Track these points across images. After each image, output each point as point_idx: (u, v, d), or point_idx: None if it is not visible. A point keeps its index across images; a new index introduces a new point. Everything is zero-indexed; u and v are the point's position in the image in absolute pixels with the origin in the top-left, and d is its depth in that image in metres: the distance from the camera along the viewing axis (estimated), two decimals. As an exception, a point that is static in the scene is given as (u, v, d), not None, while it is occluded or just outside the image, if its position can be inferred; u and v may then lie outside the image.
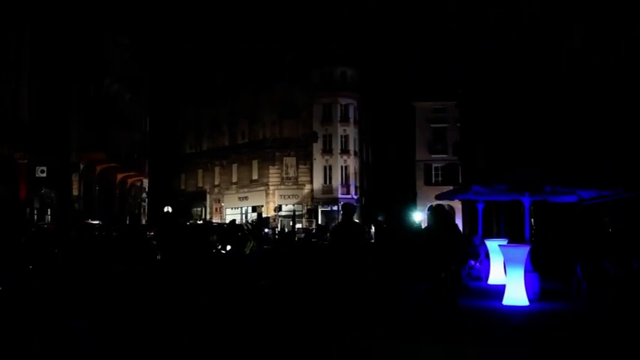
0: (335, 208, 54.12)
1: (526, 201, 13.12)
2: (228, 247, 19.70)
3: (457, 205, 44.61)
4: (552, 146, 24.63)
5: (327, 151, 54.67)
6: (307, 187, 54.53)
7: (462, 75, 45.56)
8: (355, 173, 56.15)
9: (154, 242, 24.76)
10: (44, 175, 27.52)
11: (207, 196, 61.13)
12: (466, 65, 43.80)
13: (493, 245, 15.41)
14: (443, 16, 50.70)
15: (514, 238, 15.46)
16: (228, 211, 57.44)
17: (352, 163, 55.76)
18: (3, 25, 26.03)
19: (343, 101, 55.28)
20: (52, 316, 10.51)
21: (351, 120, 55.85)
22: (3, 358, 7.57)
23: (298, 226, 50.72)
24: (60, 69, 31.08)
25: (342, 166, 54.95)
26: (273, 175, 54.95)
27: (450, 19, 48.19)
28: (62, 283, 14.36)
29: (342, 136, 55.21)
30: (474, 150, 41.41)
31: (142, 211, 46.59)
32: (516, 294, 11.80)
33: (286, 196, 54.78)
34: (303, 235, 43.63)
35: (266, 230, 39.35)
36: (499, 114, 33.23)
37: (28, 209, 26.96)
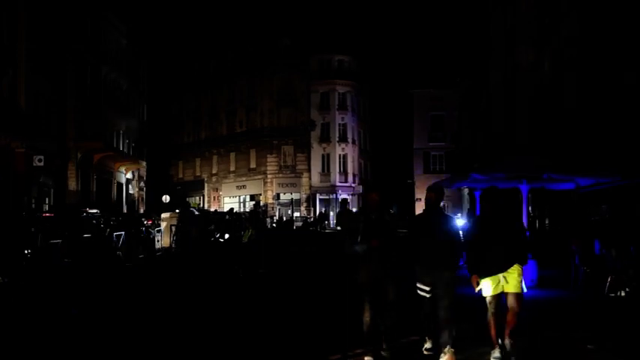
0: (333, 196, 54.18)
1: (524, 188, 13.13)
2: (227, 236, 19.74)
3: (455, 192, 44.76)
4: (550, 134, 24.64)
5: (325, 139, 54.64)
6: (305, 176, 54.54)
7: (461, 63, 45.54)
8: (353, 162, 56.16)
9: (152, 230, 24.84)
10: (42, 164, 27.47)
11: (205, 184, 61.10)
12: (465, 54, 43.76)
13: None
14: (442, 7, 50.62)
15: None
16: (227, 199, 57.44)
17: (350, 152, 55.76)
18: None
19: (341, 89, 55.17)
20: (51, 304, 10.55)
21: (349, 108, 55.79)
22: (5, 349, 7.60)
23: (296, 214, 50.82)
24: (57, 58, 30.96)
25: (340, 155, 54.95)
26: (271, 163, 54.92)
27: (449, 9, 48.10)
28: (63, 274, 14.41)
29: (339, 124, 55.17)
30: (472, 138, 41.44)
31: (140, 199, 46.59)
32: (514, 281, 11.79)
33: (284, 185, 54.79)
34: (301, 223, 43.94)
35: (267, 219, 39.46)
36: (498, 102, 33.24)
37: (25, 198, 26.95)
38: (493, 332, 6.64)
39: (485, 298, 6.71)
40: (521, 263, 6.77)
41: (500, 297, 6.70)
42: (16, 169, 26.41)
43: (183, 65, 61.85)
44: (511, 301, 6.66)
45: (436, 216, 7.02)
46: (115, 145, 36.43)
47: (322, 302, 10.75)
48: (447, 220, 7.14)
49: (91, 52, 34.95)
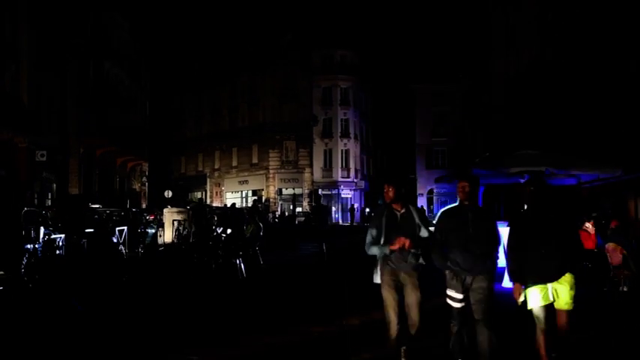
0: (335, 191, 54.20)
1: (526, 184, 13.09)
2: (229, 231, 19.76)
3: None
4: (552, 129, 24.60)
5: (327, 134, 54.61)
6: (307, 171, 54.53)
7: (463, 60, 45.46)
8: (355, 157, 56.14)
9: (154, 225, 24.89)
10: (44, 159, 27.48)
11: (208, 179, 61.16)
12: (467, 51, 43.68)
13: (493, 228, 15.36)
14: (443, 2, 50.52)
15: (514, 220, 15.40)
16: (229, 195, 57.51)
17: (352, 147, 55.73)
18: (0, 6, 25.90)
19: (343, 84, 55.12)
20: (52, 299, 10.58)
21: (351, 103, 55.72)
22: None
23: (298, 209, 50.86)
24: (59, 53, 30.94)
25: (342, 150, 54.93)
26: (273, 158, 54.92)
27: (450, 5, 48.00)
28: (64, 270, 14.44)
29: (342, 119, 55.12)
30: (474, 134, 41.40)
31: (142, 194, 46.63)
32: (516, 276, 11.77)
33: (286, 180, 54.80)
34: (303, 218, 43.99)
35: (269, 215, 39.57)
36: (501, 97, 33.18)
37: (28, 193, 26.97)
38: (543, 355, 5.50)
39: (531, 310, 5.60)
40: (575, 273, 5.55)
41: (551, 309, 5.54)
42: (19, 164, 26.44)
43: (185, 61, 61.83)
44: (560, 321, 5.50)
45: (472, 210, 5.84)
46: (117, 140, 36.34)
47: (324, 297, 10.76)
48: (485, 214, 5.95)
49: (93, 47, 34.92)
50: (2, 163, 25.31)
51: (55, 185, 31.07)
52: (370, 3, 59.35)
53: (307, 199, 54.03)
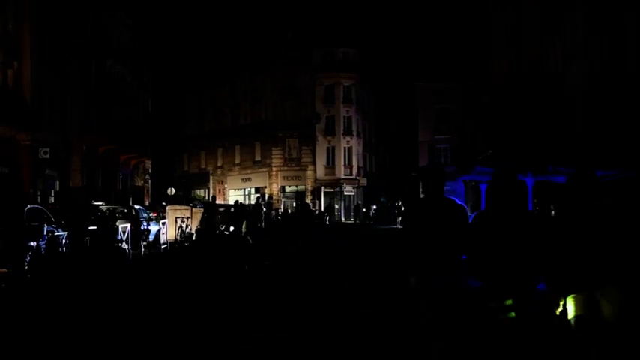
0: (338, 189, 54.19)
1: (529, 181, 13.10)
2: (232, 228, 19.80)
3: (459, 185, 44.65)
4: (553, 127, 24.58)
5: (330, 132, 54.55)
6: (310, 169, 54.51)
7: (464, 58, 45.43)
8: (358, 154, 56.12)
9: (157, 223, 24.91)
10: (47, 156, 27.55)
11: (210, 177, 61.19)
12: (467, 50, 43.66)
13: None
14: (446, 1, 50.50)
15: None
16: (232, 192, 57.51)
17: (355, 145, 55.69)
18: (3, 3, 25.95)
19: (345, 82, 55.04)
20: (54, 296, 10.61)
21: (354, 101, 55.66)
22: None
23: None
24: (62, 50, 30.98)
25: (344, 148, 54.87)
26: (276, 156, 54.92)
27: (451, 2, 47.99)
28: (67, 267, 14.48)
29: (344, 117, 55.06)
30: (475, 132, 41.37)
31: (145, 192, 46.70)
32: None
33: (289, 178, 54.81)
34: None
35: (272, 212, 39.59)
36: (502, 95, 33.16)
37: (31, 190, 27.04)
38: None
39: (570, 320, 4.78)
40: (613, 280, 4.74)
41: (593, 320, 4.71)
42: (22, 162, 26.50)
43: (186, 59, 61.83)
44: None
45: (515, 208, 4.86)
46: (118, 138, 36.34)
47: (327, 295, 10.77)
48: (530, 214, 5.09)
49: (94, 46, 34.92)
50: (5, 161, 25.38)
51: (58, 182, 31.14)
52: (371, 0, 59.28)
53: (310, 197, 54.03)
